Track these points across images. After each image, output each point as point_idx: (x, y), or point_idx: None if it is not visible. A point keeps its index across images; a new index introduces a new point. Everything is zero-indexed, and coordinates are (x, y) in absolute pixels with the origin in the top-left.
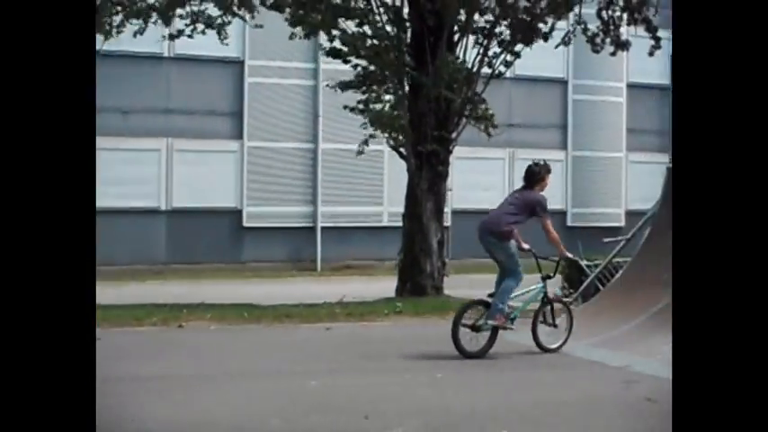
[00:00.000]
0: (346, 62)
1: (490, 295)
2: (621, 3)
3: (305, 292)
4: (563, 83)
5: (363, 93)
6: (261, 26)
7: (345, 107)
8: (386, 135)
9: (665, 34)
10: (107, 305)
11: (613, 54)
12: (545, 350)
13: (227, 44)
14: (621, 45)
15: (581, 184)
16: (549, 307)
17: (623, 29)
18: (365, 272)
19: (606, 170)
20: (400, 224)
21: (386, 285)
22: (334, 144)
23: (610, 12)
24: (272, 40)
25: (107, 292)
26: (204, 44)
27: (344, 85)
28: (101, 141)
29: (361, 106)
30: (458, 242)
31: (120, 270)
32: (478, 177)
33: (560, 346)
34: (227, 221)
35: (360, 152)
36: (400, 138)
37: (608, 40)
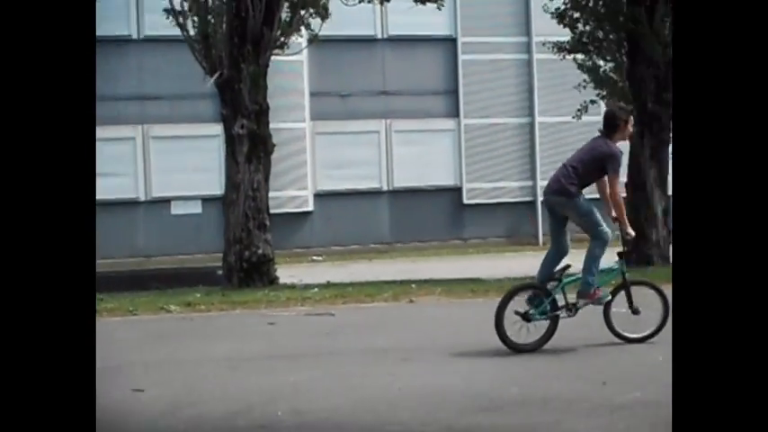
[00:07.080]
0: (571, 26)
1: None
2: None
3: (529, 266)
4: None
5: (583, 59)
6: None
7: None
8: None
9: None
10: (338, 283)
11: None
12: (627, 340)
13: (442, 5)
14: None
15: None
16: (627, 289)
17: None
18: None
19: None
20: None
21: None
22: (551, 117)
23: None
24: (482, 16)
25: (338, 272)
26: (416, 24)
27: (563, 49)
28: (321, 126)
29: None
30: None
31: (348, 250)
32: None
33: (651, 335)
34: (448, 199)
35: (578, 117)
36: (621, 104)
37: None
